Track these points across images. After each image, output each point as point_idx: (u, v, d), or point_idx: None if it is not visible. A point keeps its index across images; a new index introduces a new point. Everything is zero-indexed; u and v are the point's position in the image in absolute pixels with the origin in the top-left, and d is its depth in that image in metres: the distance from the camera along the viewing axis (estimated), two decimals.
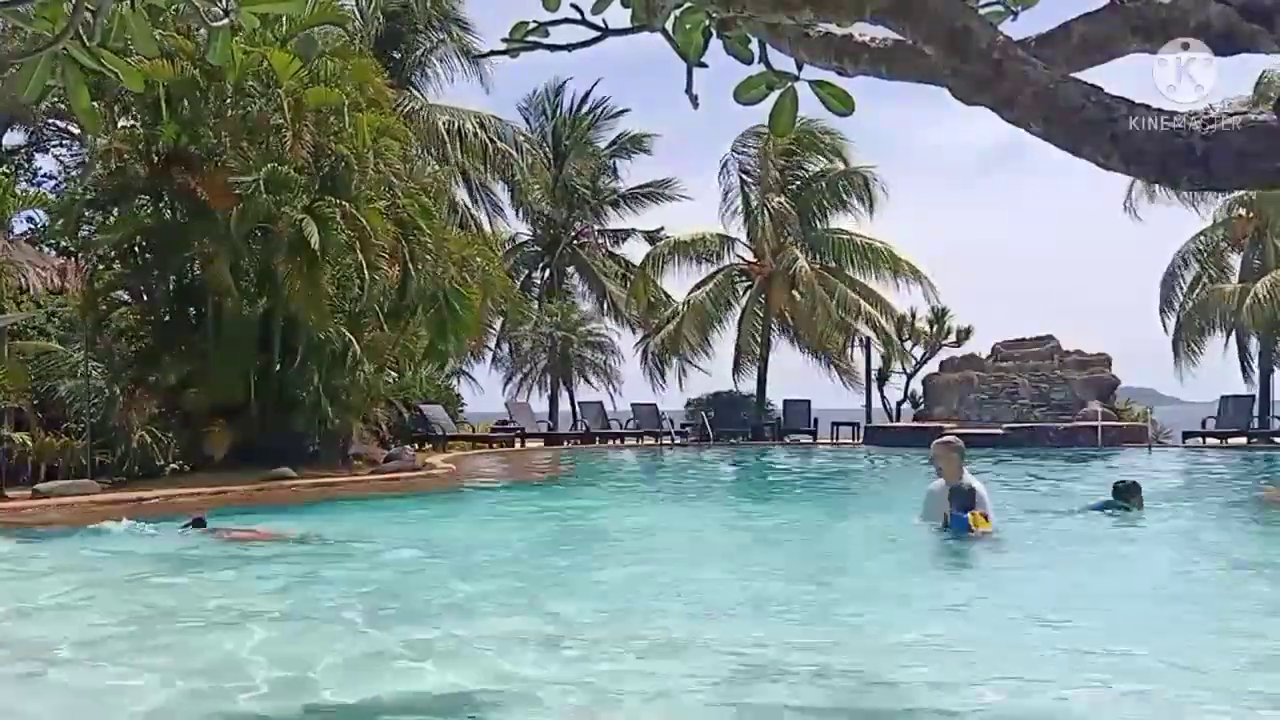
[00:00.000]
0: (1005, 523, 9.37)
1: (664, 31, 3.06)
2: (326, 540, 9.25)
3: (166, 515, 11.19)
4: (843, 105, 3.01)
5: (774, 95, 3.05)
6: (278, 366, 15.70)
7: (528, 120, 32.56)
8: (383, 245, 15.51)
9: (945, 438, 9.35)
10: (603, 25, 3.09)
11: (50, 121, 21.43)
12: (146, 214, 15.90)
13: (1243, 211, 25.71)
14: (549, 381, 30.98)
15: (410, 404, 21.52)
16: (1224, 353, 26.67)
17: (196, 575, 7.61)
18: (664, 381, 30.27)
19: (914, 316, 27.81)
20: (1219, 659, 5.13)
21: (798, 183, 28.92)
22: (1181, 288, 27.25)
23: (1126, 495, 9.97)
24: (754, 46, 3.14)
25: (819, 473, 19.12)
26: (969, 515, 8.29)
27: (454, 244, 18.10)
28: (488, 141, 27.21)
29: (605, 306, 32.86)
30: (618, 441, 25.52)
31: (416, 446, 20.88)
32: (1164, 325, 27.39)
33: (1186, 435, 23.48)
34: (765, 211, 27.55)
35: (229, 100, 15.36)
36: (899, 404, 28.55)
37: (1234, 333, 26.06)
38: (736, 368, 29.34)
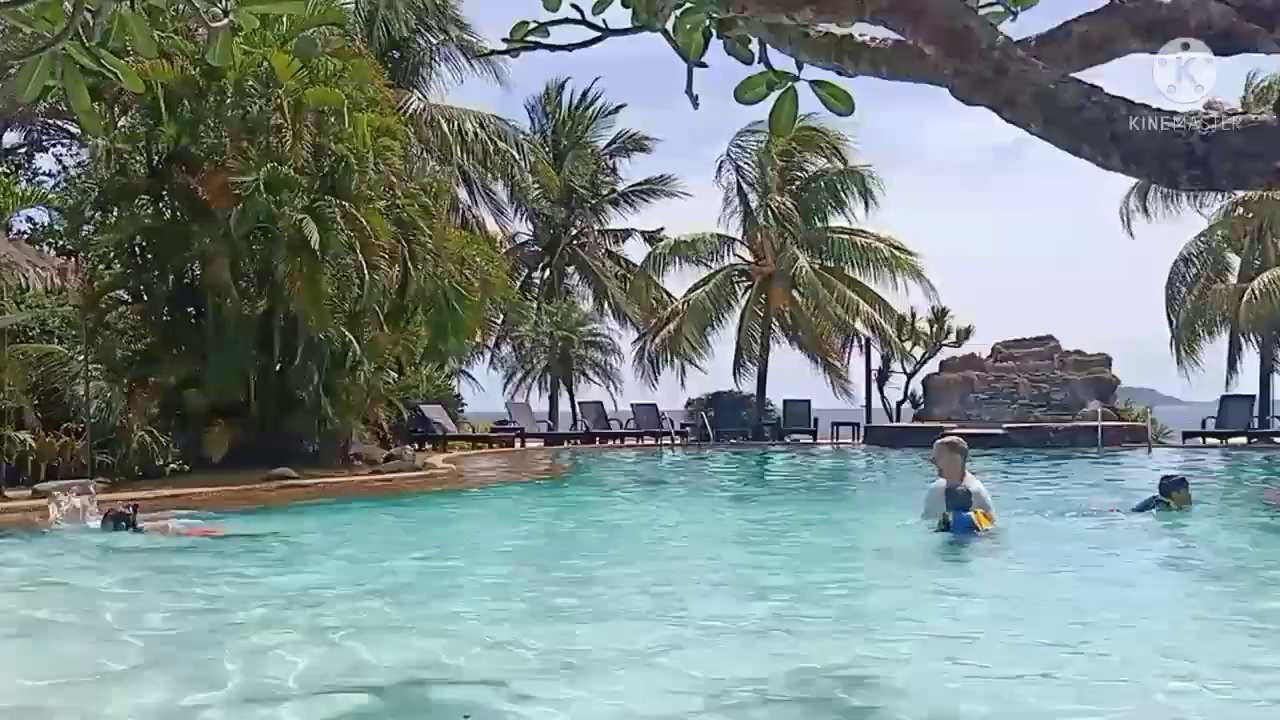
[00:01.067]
0: (1049, 522, 9.38)
1: (664, 32, 3.06)
2: (258, 539, 9.28)
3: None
4: (843, 105, 3.01)
5: (774, 95, 3.05)
6: (278, 366, 15.70)
7: (531, 119, 32.64)
8: (383, 245, 15.51)
9: (948, 438, 9.33)
10: (603, 25, 3.09)
11: (50, 121, 21.42)
12: (146, 214, 15.91)
13: (1242, 211, 25.73)
14: (549, 381, 30.99)
15: (410, 404, 21.53)
16: (1226, 353, 26.73)
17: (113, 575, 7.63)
18: (657, 382, 30.32)
19: (914, 316, 27.83)
20: (1216, 656, 5.14)
21: (797, 183, 28.92)
22: (1181, 288, 27.26)
23: (1168, 491, 9.88)
24: (754, 47, 3.14)
25: (819, 473, 19.12)
26: (971, 514, 8.30)
27: (454, 244, 18.11)
28: (488, 141, 27.21)
29: (605, 306, 32.88)
30: (618, 441, 25.52)
31: (416, 446, 20.89)
32: (1165, 325, 27.44)
33: (1186, 435, 23.48)
34: (766, 211, 27.56)
35: (229, 100, 15.37)
36: (899, 404, 28.56)
37: (1231, 333, 26.10)
38: (737, 368, 29.36)
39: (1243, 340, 26.35)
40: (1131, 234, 26.54)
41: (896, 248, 27.91)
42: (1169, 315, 27.23)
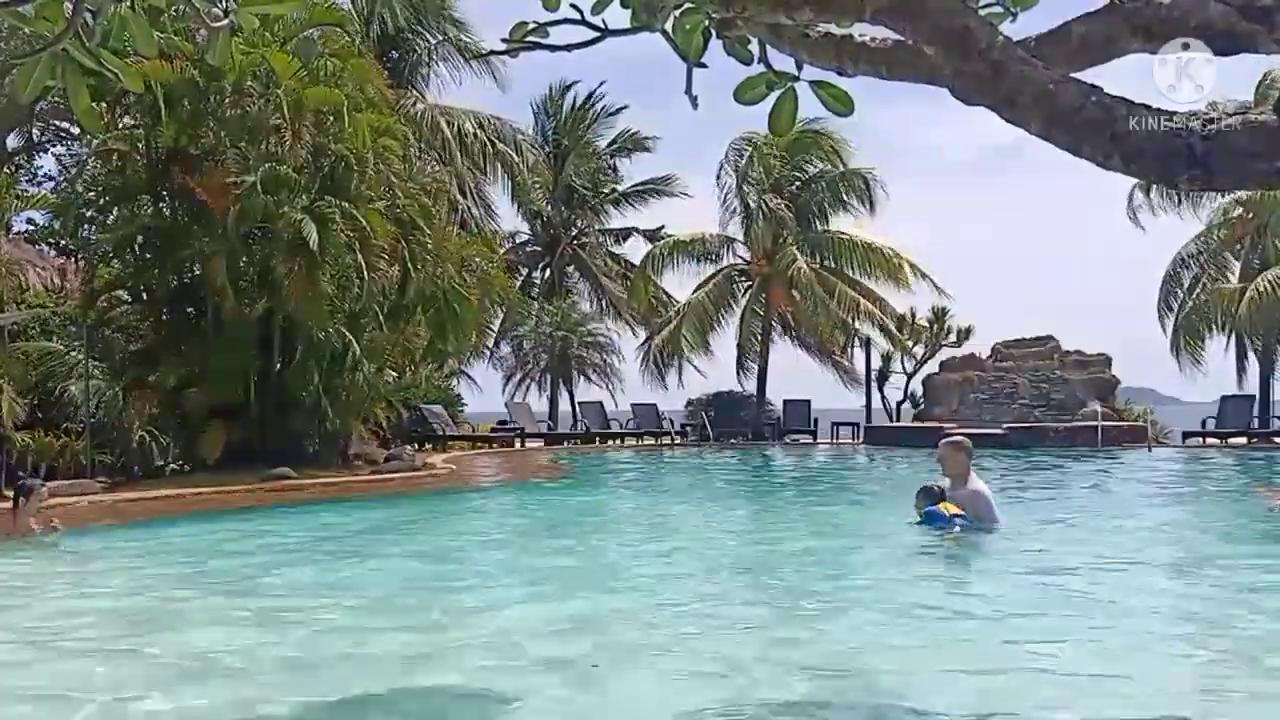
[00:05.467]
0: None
1: (664, 32, 3.06)
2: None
3: (167, 515, 11.23)
4: (843, 105, 3.01)
5: (774, 95, 3.04)
6: (278, 366, 15.70)
7: (535, 118, 32.64)
8: (383, 245, 15.51)
9: (953, 438, 9.28)
10: (603, 25, 3.09)
11: (51, 122, 21.42)
12: (146, 214, 15.91)
13: (1242, 211, 25.73)
14: (549, 381, 30.98)
15: (410, 404, 21.52)
16: (1225, 353, 26.75)
17: None
18: (664, 382, 30.33)
19: (914, 316, 27.82)
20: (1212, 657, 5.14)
21: (796, 183, 28.92)
22: (1181, 288, 27.26)
23: None
24: (754, 47, 3.13)
25: (818, 472, 19.11)
26: (940, 506, 8.43)
27: (454, 244, 18.10)
28: (488, 142, 27.20)
29: (605, 306, 32.87)
30: (618, 441, 25.52)
31: (416, 446, 20.89)
32: (1164, 325, 27.43)
33: (1186, 435, 23.47)
34: (763, 212, 27.56)
35: (229, 100, 15.37)
36: (899, 404, 28.55)
37: (1233, 333, 26.09)
38: (739, 368, 29.37)
39: (1245, 340, 26.33)
40: (1142, 227, 26.39)
41: (894, 255, 27.91)
42: (1160, 315, 27.25)
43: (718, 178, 29.16)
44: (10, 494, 9.46)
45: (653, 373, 30.26)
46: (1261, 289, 23.14)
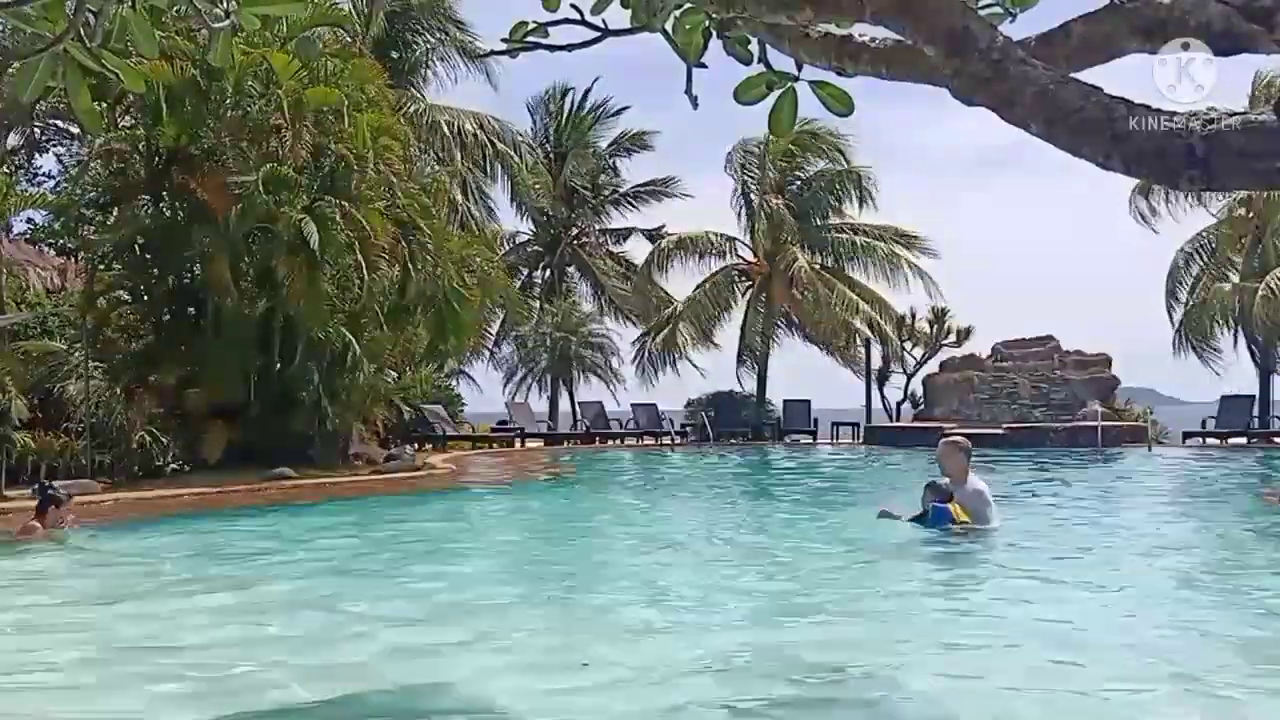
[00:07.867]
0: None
1: (664, 32, 3.06)
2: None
3: (167, 515, 11.24)
4: (842, 105, 3.00)
5: (774, 95, 3.04)
6: (278, 366, 15.70)
7: (534, 118, 32.64)
8: (383, 245, 15.52)
9: (952, 438, 9.30)
10: (603, 25, 3.09)
11: (50, 122, 21.41)
12: (147, 214, 15.92)
13: (1243, 211, 25.72)
14: (549, 381, 30.97)
15: (410, 404, 21.51)
16: (1234, 350, 26.74)
17: None
18: (658, 376, 30.30)
19: (914, 316, 27.82)
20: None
21: (797, 183, 28.94)
22: (1182, 288, 27.25)
23: None
24: (754, 47, 3.14)
25: (818, 472, 19.10)
26: (949, 506, 8.37)
27: (454, 244, 18.11)
28: (487, 142, 27.21)
29: (606, 306, 32.86)
30: (618, 441, 25.52)
31: (416, 446, 20.88)
32: (1165, 325, 27.44)
33: (1186, 435, 23.49)
34: (764, 211, 27.58)
35: (229, 100, 15.38)
36: (899, 404, 28.57)
37: (1233, 332, 26.09)
38: (740, 367, 29.38)
39: (1246, 339, 26.31)
40: (1155, 230, 26.51)
41: (901, 236, 27.94)
42: (1169, 310, 27.22)
43: (720, 177, 29.22)
44: (37, 499, 9.64)
45: (651, 371, 30.23)
46: (1273, 285, 23.03)
